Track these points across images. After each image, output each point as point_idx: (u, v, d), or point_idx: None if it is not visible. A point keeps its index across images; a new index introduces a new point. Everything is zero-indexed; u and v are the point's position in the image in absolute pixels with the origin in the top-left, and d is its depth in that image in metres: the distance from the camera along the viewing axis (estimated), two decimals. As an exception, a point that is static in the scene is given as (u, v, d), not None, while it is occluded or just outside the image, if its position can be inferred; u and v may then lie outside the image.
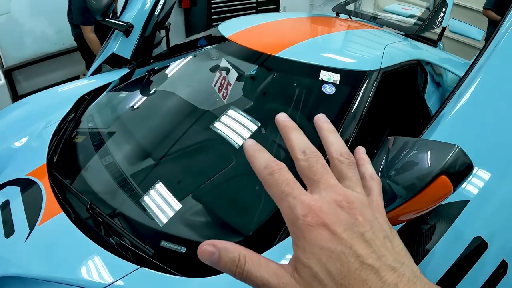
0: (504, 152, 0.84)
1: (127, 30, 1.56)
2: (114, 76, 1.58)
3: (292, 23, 1.55)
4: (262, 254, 0.67)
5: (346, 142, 0.98)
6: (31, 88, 2.47)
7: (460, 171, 0.54)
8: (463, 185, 0.76)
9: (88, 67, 2.28)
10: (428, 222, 0.74)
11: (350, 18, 1.88)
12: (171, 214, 0.91)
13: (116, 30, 1.60)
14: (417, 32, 1.67)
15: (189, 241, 0.86)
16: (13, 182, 1.11)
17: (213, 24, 2.83)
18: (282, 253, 0.81)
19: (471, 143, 0.79)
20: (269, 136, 1.07)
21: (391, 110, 1.24)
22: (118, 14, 1.69)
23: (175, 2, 1.77)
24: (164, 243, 0.87)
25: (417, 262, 0.72)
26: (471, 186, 0.79)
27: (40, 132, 1.29)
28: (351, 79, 1.11)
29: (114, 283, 0.80)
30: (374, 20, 1.99)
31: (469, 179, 0.77)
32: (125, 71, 1.60)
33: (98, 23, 2.00)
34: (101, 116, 1.32)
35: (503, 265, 0.76)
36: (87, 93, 1.47)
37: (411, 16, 2.04)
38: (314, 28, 1.53)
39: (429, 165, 0.56)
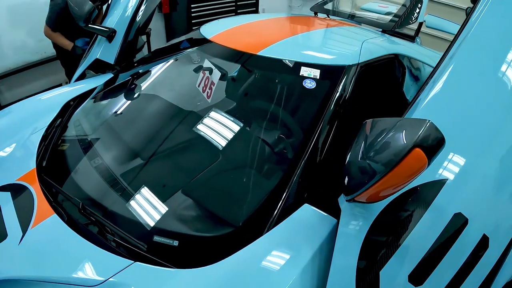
0: (478, 133, 0.91)
1: (110, 35, 1.62)
2: (98, 81, 1.63)
3: (272, 23, 1.64)
4: (253, 243, 0.76)
5: (328, 133, 1.06)
6: (13, 98, 2.49)
7: (433, 144, 0.61)
8: (441, 165, 0.84)
9: (67, 74, 2.31)
10: (409, 204, 0.81)
11: (328, 17, 1.99)
12: (162, 209, 0.98)
13: (99, 36, 1.65)
14: (394, 28, 1.79)
15: (181, 234, 0.93)
16: (3, 188, 1.15)
17: (193, 28, 2.92)
18: (271, 241, 0.88)
19: (445, 125, 0.87)
20: (252, 133, 1.14)
21: (370, 103, 1.33)
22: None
23: (156, 7, 1.83)
24: (156, 238, 0.93)
25: (400, 242, 0.79)
26: (448, 166, 0.85)
27: (28, 139, 1.33)
28: (331, 74, 1.19)
29: (110, 279, 0.86)
30: (352, 18, 2.10)
31: (446, 159, 0.85)
32: (109, 76, 1.66)
33: (70, 30, 2.07)
34: (87, 120, 1.37)
35: (484, 240, 0.84)
36: (72, 99, 1.51)
37: (388, 14, 2.16)
38: (294, 27, 1.62)
39: (404, 141, 0.62)
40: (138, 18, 1.64)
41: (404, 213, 0.80)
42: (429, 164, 0.61)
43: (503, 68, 0.94)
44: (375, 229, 0.79)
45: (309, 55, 1.28)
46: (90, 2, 1.55)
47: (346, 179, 0.73)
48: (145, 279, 0.84)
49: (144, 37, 2.15)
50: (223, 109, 1.21)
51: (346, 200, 0.76)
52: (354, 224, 0.81)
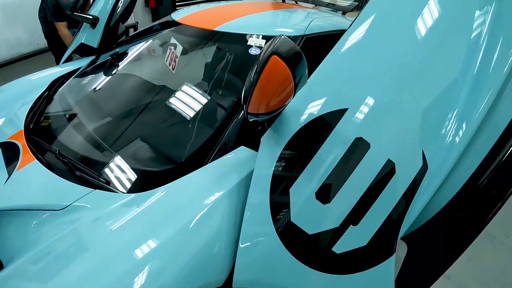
0: (383, 70, 1.02)
1: (93, 22, 1.87)
2: (83, 63, 1.88)
3: (235, 6, 1.87)
4: (194, 172, 0.97)
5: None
6: (8, 88, 2.78)
7: (290, 54, 0.76)
8: (344, 97, 0.99)
9: (57, 62, 2.59)
10: (315, 130, 0.98)
11: (296, 3, 2.21)
12: (120, 151, 1.19)
13: (84, 23, 1.91)
14: (354, 9, 1.99)
15: (134, 168, 1.14)
16: None
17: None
18: (205, 171, 1.08)
19: (354, 65, 1.02)
20: (201, 90, 1.36)
21: (310, 68, 1.53)
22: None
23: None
24: (115, 174, 1.14)
25: (306, 163, 0.96)
26: (350, 96, 0.99)
27: (18, 109, 1.58)
28: (275, 43, 1.40)
29: (73, 203, 1.07)
30: (317, 3, 2.30)
31: (347, 91, 0.99)
32: (92, 58, 1.91)
33: (71, 20, 2.33)
34: (70, 93, 1.61)
35: (389, 165, 0.95)
36: (58, 77, 1.77)
37: (356, 0, 2.37)
38: (254, 9, 1.84)
39: (265, 53, 0.78)
40: (118, 8, 1.90)
41: (311, 138, 0.98)
42: (294, 76, 0.79)
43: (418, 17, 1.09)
44: (286, 152, 0.98)
45: (258, 29, 1.49)
46: (75, -8, 1.81)
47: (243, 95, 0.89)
48: (101, 201, 1.05)
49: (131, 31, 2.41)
50: (182, 75, 1.43)
51: (249, 119, 0.93)
52: (269, 151, 1.00)
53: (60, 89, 1.66)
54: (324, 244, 0.95)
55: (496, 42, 1.02)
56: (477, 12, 1.07)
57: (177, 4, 3.32)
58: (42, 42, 2.63)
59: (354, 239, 0.95)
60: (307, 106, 1.01)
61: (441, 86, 1.02)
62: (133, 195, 1.06)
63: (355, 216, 0.95)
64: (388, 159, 0.96)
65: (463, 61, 1.03)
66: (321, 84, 1.04)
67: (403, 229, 0.98)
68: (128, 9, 2.03)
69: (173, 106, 1.30)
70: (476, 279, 1.73)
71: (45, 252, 0.99)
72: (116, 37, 1.99)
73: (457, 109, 1.00)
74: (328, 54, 1.08)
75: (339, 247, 0.95)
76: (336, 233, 0.95)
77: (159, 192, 1.04)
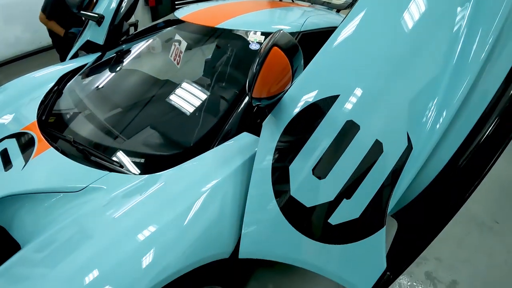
0: (374, 64, 1.20)
1: (99, 20, 2.00)
2: (89, 59, 2.00)
3: (236, 4, 2.01)
4: (202, 155, 1.13)
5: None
6: (12, 86, 2.88)
7: (288, 46, 0.90)
8: (336, 84, 1.11)
9: (62, 60, 2.70)
10: (310, 115, 1.11)
11: (293, 1, 2.35)
12: (133, 138, 1.32)
13: (89, 21, 2.04)
14: (348, 7, 2.14)
15: (146, 154, 1.26)
16: (9, 136, 1.50)
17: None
18: (212, 154, 1.21)
19: (345, 56, 1.16)
20: (206, 82, 1.49)
21: (306, 61, 1.67)
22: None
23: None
24: (128, 158, 1.26)
25: (303, 143, 1.09)
26: (343, 79, 1.12)
27: (28, 104, 1.69)
28: (274, 39, 1.54)
29: (90, 185, 1.19)
30: (328, 4, 2.45)
31: (339, 79, 1.12)
32: (98, 55, 2.03)
33: (64, 19, 2.46)
34: (80, 86, 1.73)
35: (377, 144, 1.08)
36: (67, 73, 1.88)
37: (350, -1, 2.52)
38: (253, 7, 1.98)
39: (267, 45, 0.91)
40: (122, 7, 2.03)
41: (307, 121, 1.11)
42: (292, 66, 0.93)
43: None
44: (285, 134, 1.11)
45: (257, 26, 1.63)
46: (81, -8, 1.94)
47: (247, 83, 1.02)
48: (116, 182, 1.17)
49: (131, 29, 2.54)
50: (187, 69, 1.56)
51: (253, 103, 1.06)
52: (270, 134, 1.13)
53: (70, 83, 1.78)
54: (321, 216, 1.08)
55: (475, 34, 1.16)
56: (458, 8, 1.22)
57: (176, 3, 3.46)
58: (45, 40, 2.75)
59: (348, 211, 1.08)
60: (304, 93, 1.14)
61: (425, 75, 1.16)
62: (146, 176, 1.18)
63: (348, 190, 1.08)
64: (376, 140, 1.09)
65: (445, 51, 1.17)
66: (316, 74, 1.17)
67: (392, 204, 1.12)
68: (132, 8, 2.16)
69: (180, 97, 1.43)
70: (465, 262, 1.87)
71: (63, 232, 1.09)
72: (121, 34, 2.11)
73: (438, 96, 1.14)
74: (322, 47, 1.21)
75: (334, 219, 1.08)
76: (331, 206, 1.08)
77: (171, 173, 1.16)
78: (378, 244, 1.11)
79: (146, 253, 0.97)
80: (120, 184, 1.17)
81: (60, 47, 2.63)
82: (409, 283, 1.75)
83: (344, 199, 1.08)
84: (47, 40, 2.70)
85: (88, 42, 2.03)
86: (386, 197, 1.10)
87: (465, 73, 1.13)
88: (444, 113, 1.13)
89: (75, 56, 2.10)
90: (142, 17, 3.12)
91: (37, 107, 1.64)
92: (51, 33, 2.56)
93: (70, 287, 0.90)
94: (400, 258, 1.17)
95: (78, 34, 2.21)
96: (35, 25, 2.60)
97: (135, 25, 2.70)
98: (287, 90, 1.06)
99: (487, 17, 1.16)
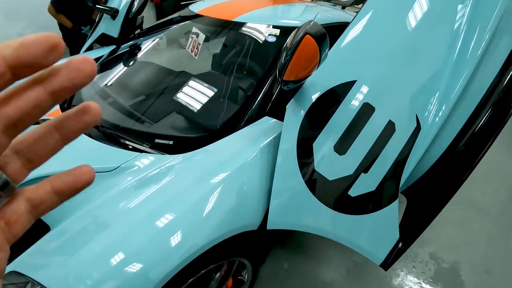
0: (386, 55, 1.37)
1: (113, 14, 2.11)
2: (103, 51, 2.10)
3: (248, 0, 2.15)
4: (223, 139, 1.28)
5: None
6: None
7: (318, 34, 1.03)
8: (353, 70, 1.28)
9: (72, 54, 2.79)
10: (330, 98, 1.26)
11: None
12: (161, 122, 1.43)
13: (104, 14, 2.14)
14: (352, 4, 2.31)
15: (174, 136, 1.38)
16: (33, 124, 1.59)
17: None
18: (237, 136, 1.33)
19: (357, 48, 1.31)
20: (229, 71, 1.62)
21: None
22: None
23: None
24: (157, 140, 1.37)
25: (325, 123, 1.23)
26: (359, 67, 1.27)
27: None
28: (287, 32, 1.68)
29: (122, 165, 1.29)
30: (329, 1, 2.63)
31: (356, 67, 1.28)
32: (113, 47, 2.13)
33: (72, 13, 2.56)
34: (99, 76, 1.83)
35: (390, 124, 1.25)
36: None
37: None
38: (265, 3, 2.12)
39: (300, 33, 1.04)
40: (136, 1, 2.14)
41: (328, 103, 1.25)
42: (321, 53, 1.07)
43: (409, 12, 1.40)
44: (308, 116, 1.25)
45: (271, 20, 1.77)
46: (97, -14, 2.05)
47: (278, 69, 1.15)
48: (147, 162, 1.28)
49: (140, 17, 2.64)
50: (208, 59, 1.69)
51: (283, 86, 1.20)
52: (294, 115, 1.26)
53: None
54: (342, 188, 1.21)
55: (474, 30, 1.33)
56: (459, 6, 1.39)
57: (181, -2, 3.59)
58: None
59: (365, 184, 1.22)
60: (323, 80, 1.28)
61: (430, 67, 1.32)
62: (178, 155, 1.29)
63: (365, 165, 1.22)
64: (389, 120, 1.25)
65: (448, 44, 1.33)
66: (334, 63, 1.31)
67: (403, 178, 1.26)
68: (144, 3, 2.27)
69: (204, 85, 1.55)
70: (466, 244, 2.02)
71: (97, 210, 1.18)
72: (134, 28, 2.22)
73: (440, 87, 1.30)
74: (338, 40, 1.36)
75: (354, 191, 1.22)
76: (351, 179, 1.21)
77: (201, 152, 1.28)
78: (392, 215, 1.25)
79: (179, 227, 1.07)
80: (153, 163, 1.28)
81: (70, 42, 2.72)
82: (414, 263, 1.89)
83: (362, 173, 1.22)
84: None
85: (102, 35, 2.14)
86: (399, 171, 1.24)
87: (464, 67, 1.29)
88: (446, 103, 1.29)
89: (90, 48, 2.20)
90: (147, 14, 3.22)
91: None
92: (61, 27, 2.65)
93: (102, 262, 0.97)
94: (410, 230, 1.31)
95: (89, 32, 2.30)
96: (41, 21, 2.68)
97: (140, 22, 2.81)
98: (310, 75, 1.20)
99: (485, 14, 1.33)
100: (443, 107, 1.29)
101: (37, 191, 0.27)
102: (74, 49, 2.51)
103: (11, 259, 1.20)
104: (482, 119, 1.34)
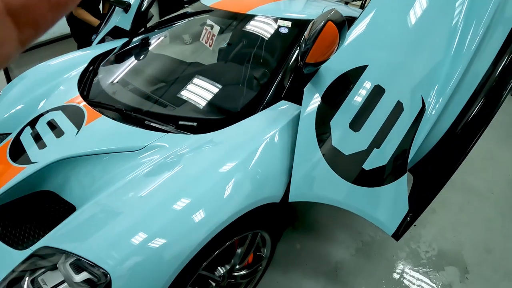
0: (393, 44, 1.54)
1: (126, 8, 2.24)
2: (116, 44, 2.22)
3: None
4: (245, 119, 1.40)
5: (295, 59, 1.68)
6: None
7: (339, 21, 1.18)
8: (364, 56, 1.44)
9: (80, 47, 2.88)
10: (344, 81, 1.42)
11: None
12: (184, 105, 1.56)
13: (116, 8, 2.27)
14: (351, 0, 2.49)
15: (198, 118, 1.51)
16: (54, 109, 1.69)
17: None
18: (258, 117, 1.47)
19: (368, 39, 1.49)
20: (245, 60, 1.76)
21: None
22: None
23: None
24: (181, 122, 1.50)
25: (341, 103, 1.38)
26: (370, 53, 1.45)
27: (65, 80, 1.89)
28: (299, 24, 1.84)
29: (150, 144, 1.41)
30: None
31: (367, 52, 1.44)
32: (125, 40, 2.25)
33: (94, 8, 2.67)
34: (116, 65, 1.95)
35: (399, 105, 1.42)
36: (98, 55, 2.10)
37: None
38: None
39: (322, 19, 1.22)
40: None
41: (343, 85, 1.40)
42: (340, 38, 1.22)
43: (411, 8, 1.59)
44: (325, 97, 1.40)
45: (282, 13, 1.93)
46: (111, -19, 2.18)
47: (300, 51, 1.31)
48: (173, 140, 1.40)
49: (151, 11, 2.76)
50: (225, 50, 1.83)
51: (303, 69, 1.35)
52: (311, 97, 1.41)
53: (104, 62, 2.00)
54: (357, 162, 1.36)
55: (469, 26, 1.51)
56: (456, 4, 1.57)
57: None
58: (58, 30, 2.92)
59: (378, 158, 1.37)
60: (338, 64, 1.44)
61: (432, 56, 1.49)
62: (204, 134, 1.42)
63: (377, 141, 1.37)
64: (398, 101, 1.41)
65: (447, 39, 1.51)
66: (347, 50, 1.47)
67: (411, 154, 1.42)
68: (154, -3, 2.41)
69: (226, 71, 1.70)
70: (467, 226, 2.20)
71: (128, 185, 1.29)
72: (146, 21, 2.35)
73: (441, 76, 1.47)
74: (350, 28, 1.53)
75: (368, 165, 1.37)
76: (365, 154, 1.36)
77: (225, 132, 1.41)
78: (402, 188, 1.40)
79: (224, 186, 1.20)
80: (180, 142, 1.40)
81: (79, 37, 2.82)
82: (419, 243, 2.05)
83: (375, 148, 1.37)
84: (60, 30, 2.87)
85: (114, 28, 2.26)
86: (407, 147, 1.40)
87: (461, 57, 1.47)
88: (446, 88, 1.46)
89: (102, 41, 2.32)
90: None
91: (76, 84, 1.85)
92: (69, 21, 2.75)
93: (129, 236, 1.05)
94: (417, 204, 1.47)
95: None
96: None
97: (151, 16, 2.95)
98: (327, 60, 1.35)
99: (480, 10, 1.51)
100: (443, 93, 1.46)
101: None
102: (82, 44, 2.60)
103: (39, 237, 1.30)
104: (478, 105, 1.52)
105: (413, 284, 1.82)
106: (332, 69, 1.44)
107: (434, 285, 1.83)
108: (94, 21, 2.69)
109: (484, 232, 2.17)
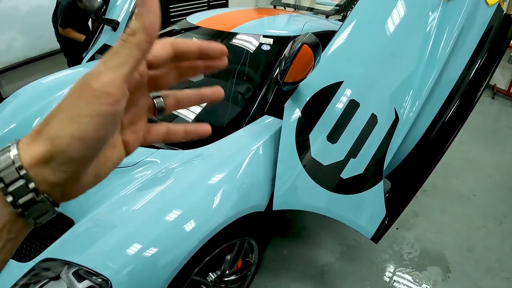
0: (368, 58, 1.72)
1: (114, 26, 2.40)
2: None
3: (240, 12, 2.49)
4: (231, 134, 1.60)
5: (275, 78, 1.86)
6: (14, 91, 3.15)
7: (313, 44, 1.36)
8: (339, 72, 1.62)
9: (69, 65, 3.04)
10: (321, 96, 1.59)
11: (285, 8, 2.88)
12: (173, 122, 1.72)
13: (105, 26, 2.43)
14: (336, 13, 2.69)
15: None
16: None
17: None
18: (243, 132, 1.64)
19: (342, 54, 1.67)
20: (230, 77, 1.94)
21: None
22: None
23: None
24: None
25: (318, 118, 1.57)
26: (345, 69, 1.62)
27: (57, 97, 2.04)
28: (280, 41, 2.02)
29: (142, 160, 1.57)
30: (311, 10, 3.02)
31: (341, 68, 1.62)
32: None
33: (78, 25, 2.83)
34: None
35: (373, 117, 1.60)
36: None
37: (337, 5, 3.10)
38: (256, 14, 2.47)
39: (298, 43, 1.40)
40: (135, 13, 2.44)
41: (320, 101, 1.58)
42: (315, 59, 1.40)
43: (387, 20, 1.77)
44: (304, 112, 1.57)
45: (265, 30, 2.11)
46: (100, 0, 2.34)
47: (280, 69, 1.48)
48: (164, 156, 1.56)
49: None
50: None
51: (283, 88, 1.53)
52: (291, 112, 1.58)
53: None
54: (335, 171, 1.54)
55: (443, 31, 1.70)
56: (430, 13, 1.76)
57: (171, 10, 3.90)
58: (48, 46, 3.06)
59: (355, 168, 1.55)
60: (316, 81, 1.62)
61: (405, 67, 1.68)
62: (192, 149, 1.58)
63: (354, 151, 1.55)
64: (372, 113, 1.59)
65: (421, 46, 1.70)
66: (323, 67, 1.65)
67: (386, 162, 1.60)
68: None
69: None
70: (449, 226, 2.38)
71: (122, 200, 1.44)
72: (134, 38, 2.51)
73: (414, 84, 1.66)
74: (328, 45, 1.71)
75: (345, 174, 1.54)
76: (342, 164, 1.54)
77: (213, 146, 1.58)
78: (379, 193, 1.58)
79: (212, 199, 1.34)
80: (170, 157, 1.56)
81: (69, 53, 2.98)
82: (402, 245, 2.23)
83: (351, 158, 1.55)
84: (49, 46, 3.02)
85: (104, 46, 2.42)
86: (382, 156, 1.59)
87: (434, 65, 1.66)
88: (420, 96, 1.65)
89: (92, 59, 2.47)
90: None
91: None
92: (59, 38, 2.91)
93: (125, 246, 1.18)
94: (394, 207, 1.65)
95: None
96: (38, 31, 2.91)
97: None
98: (306, 78, 1.53)
99: (453, 16, 1.70)
100: (417, 102, 1.65)
101: (175, 126, 0.42)
102: (73, 62, 2.76)
103: (41, 250, 1.44)
104: (451, 110, 1.71)
105: (397, 284, 1.99)
106: (311, 85, 1.62)
107: (417, 284, 2.00)
108: (80, 37, 2.85)
109: (466, 232, 2.36)
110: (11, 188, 0.29)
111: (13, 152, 0.30)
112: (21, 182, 0.29)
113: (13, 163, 0.29)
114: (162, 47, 0.36)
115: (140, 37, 0.31)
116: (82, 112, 0.29)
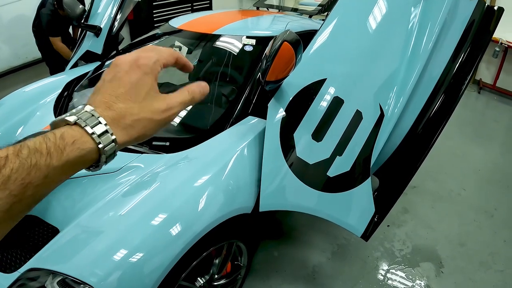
0: (350, 55, 1.75)
1: (97, 32, 2.40)
2: (88, 68, 2.38)
3: (222, 14, 2.51)
4: (216, 136, 1.61)
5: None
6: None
7: (294, 40, 1.37)
8: (323, 70, 1.64)
9: (52, 73, 3.02)
10: (305, 94, 1.60)
11: (268, 9, 2.91)
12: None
13: (87, 32, 2.43)
14: (319, 13, 2.73)
15: (171, 138, 1.67)
16: (32, 136, 1.83)
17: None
18: (227, 134, 1.65)
19: (324, 52, 1.70)
20: (214, 78, 1.95)
21: None
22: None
23: (131, 10, 2.66)
24: (154, 143, 1.67)
25: (302, 116, 1.57)
26: (328, 67, 1.63)
27: (42, 106, 2.03)
28: (263, 41, 2.04)
29: (127, 165, 1.56)
30: (295, 11, 3.05)
31: (325, 65, 1.63)
32: (97, 63, 2.41)
33: (64, 33, 2.82)
34: (88, 88, 2.11)
35: (358, 113, 1.61)
36: (72, 80, 2.25)
37: (320, 5, 3.14)
38: (238, 16, 2.49)
39: (278, 40, 1.42)
40: (117, 20, 2.45)
41: (304, 99, 1.59)
42: (296, 56, 1.42)
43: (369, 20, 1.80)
44: (288, 111, 1.58)
45: (246, 31, 2.13)
46: (81, 6, 2.34)
47: (261, 68, 1.49)
48: (148, 160, 1.56)
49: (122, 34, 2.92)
50: (194, 69, 2.02)
51: (265, 87, 1.54)
52: (275, 112, 1.59)
53: (78, 87, 2.15)
54: (321, 170, 1.55)
55: (425, 27, 1.73)
56: (412, 8, 1.80)
57: (154, 15, 3.92)
58: (31, 55, 3.05)
59: (341, 165, 1.56)
60: (299, 79, 1.64)
61: (390, 60, 1.71)
62: (176, 153, 1.58)
63: (339, 149, 1.56)
64: (357, 110, 1.61)
65: (403, 42, 1.73)
66: (306, 65, 1.67)
67: (373, 159, 1.62)
68: (125, 20, 2.59)
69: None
70: (440, 222, 2.41)
71: (109, 204, 1.43)
72: (117, 44, 2.52)
73: (398, 79, 1.69)
74: (310, 43, 1.73)
75: (332, 172, 1.55)
76: (328, 162, 1.55)
77: (197, 149, 1.58)
78: (367, 190, 1.59)
79: (197, 200, 1.34)
80: (154, 162, 1.56)
81: (49, 60, 2.96)
82: (393, 242, 2.25)
83: (337, 156, 1.57)
84: (33, 55, 3.00)
85: (87, 52, 2.42)
86: (368, 153, 1.60)
87: (417, 61, 1.69)
88: (404, 92, 1.67)
89: (75, 65, 2.47)
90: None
91: (52, 109, 1.99)
92: (40, 47, 2.89)
93: (110, 253, 1.18)
94: (383, 204, 1.66)
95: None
96: (22, 40, 2.89)
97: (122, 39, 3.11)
98: (288, 76, 1.55)
99: (434, 11, 1.73)
100: (401, 98, 1.67)
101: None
102: (55, 70, 2.74)
103: (26, 260, 1.43)
104: (436, 104, 1.73)
105: (390, 281, 2.00)
106: (294, 83, 1.64)
107: (410, 280, 2.02)
108: (68, 54, 2.82)
109: (457, 227, 2.39)
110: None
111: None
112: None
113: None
114: (172, 59, 0.51)
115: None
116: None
